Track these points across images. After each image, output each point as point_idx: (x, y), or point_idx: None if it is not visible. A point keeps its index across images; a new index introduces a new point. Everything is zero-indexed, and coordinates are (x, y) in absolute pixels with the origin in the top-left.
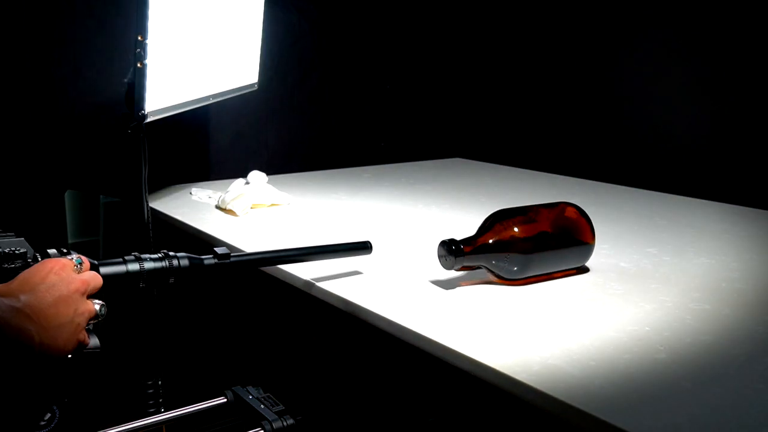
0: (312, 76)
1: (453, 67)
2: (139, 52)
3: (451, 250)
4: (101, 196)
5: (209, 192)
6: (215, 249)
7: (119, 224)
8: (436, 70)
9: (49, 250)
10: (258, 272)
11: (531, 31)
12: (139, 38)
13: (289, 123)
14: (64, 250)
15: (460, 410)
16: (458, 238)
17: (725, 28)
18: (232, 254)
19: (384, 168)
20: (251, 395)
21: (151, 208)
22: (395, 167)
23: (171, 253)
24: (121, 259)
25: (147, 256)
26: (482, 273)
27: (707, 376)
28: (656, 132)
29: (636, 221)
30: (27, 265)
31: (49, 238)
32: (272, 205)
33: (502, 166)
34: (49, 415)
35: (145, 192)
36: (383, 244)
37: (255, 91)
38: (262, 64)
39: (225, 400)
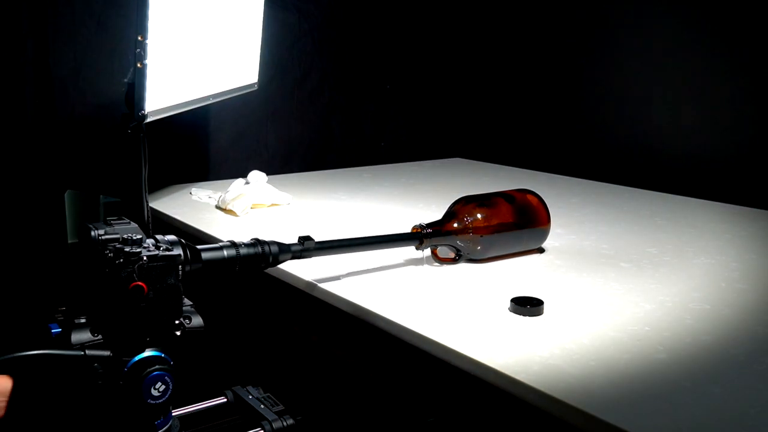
0: (312, 76)
1: (453, 67)
2: (139, 52)
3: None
4: (101, 196)
5: (209, 192)
6: (300, 236)
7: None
8: (436, 70)
9: (157, 237)
10: (257, 273)
11: (531, 32)
12: (139, 38)
13: (289, 123)
14: (174, 237)
15: (460, 410)
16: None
17: (725, 28)
18: (315, 242)
19: (384, 168)
20: (251, 395)
21: (151, 208)
22: (395, 167)
23: (261, 239)
24: (219, 246)
25: (242, 242)
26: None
27: (707, 376)
28: (656, 132)
29: (636, 221)
30: (145, 251)
31: (49, 238)
32: (272, 205)
33: (502, 166)
34: (163, 386)
35: (145, 192)
36: None
37: (255, 91)
38: (262, 64)
39: (225, 400)
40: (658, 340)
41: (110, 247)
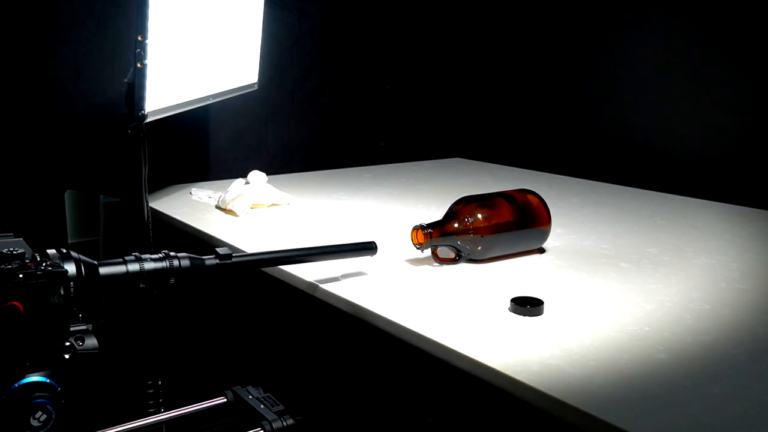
0: (312, 76)
1: (453, 67)
2: (139, 52)
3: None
4: (101, 196)
5: (209, 192)
6: (217, 249)
7: (119, 224)
8: (436, 70)
9: (48, 251)
10: (258, 273)
11: (531, 32)
12: (139, 38)
13: (289, 123)
14: (64, 251)
15: (460, 410)
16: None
17: (725, 28)
18: (233, 255)
19: (384, 168)
20: (251, 395)
21: (151, 208)
22: (395, 167)
23: (172, 254)
24: (121, 260)
25: (147, 256)
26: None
27: (707, 376)
28: (656, 132)
29: (636, 221)
30: (24, 266)
31: (49, 238)
32: (272, 205)
33: (502, 166)
34: (44, 415)
35: (145, 192)
36: (383, 244)
37: (255, 91)
38: (262, 64)
39: (225, 400)
40: (658, 340)
41: None
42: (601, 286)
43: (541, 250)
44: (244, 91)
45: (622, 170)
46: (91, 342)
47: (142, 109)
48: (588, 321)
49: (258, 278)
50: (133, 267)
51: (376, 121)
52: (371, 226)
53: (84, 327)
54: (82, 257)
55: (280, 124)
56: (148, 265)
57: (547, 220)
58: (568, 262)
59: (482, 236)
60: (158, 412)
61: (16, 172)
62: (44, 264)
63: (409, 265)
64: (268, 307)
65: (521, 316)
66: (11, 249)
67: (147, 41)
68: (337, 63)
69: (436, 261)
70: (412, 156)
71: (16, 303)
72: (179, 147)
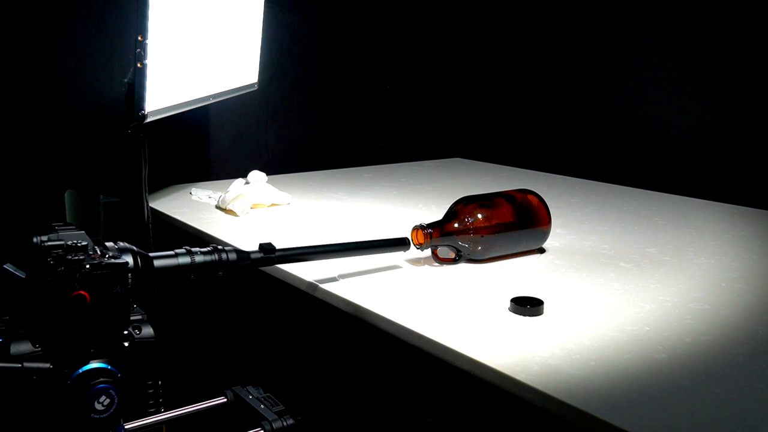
0: (312, 76)
1: (453, 67)
2: (139, 52)
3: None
4: (101, 196)
5: (209, 192)
6: (261, 243)
7: (119, 224)
8: (436, 70)
9: (107, 243)
10: (257, 273)
11: (531, 32)
12: (139, 38)
13: (289, 123)
14: (122, 243)
15: (460, 410)
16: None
17: (725, 28)
18: (277, 249)
19: (384, 168)
20: (251, 395)
21: (151, 208)
22: (395, 167)
23: (220, 247)
24: (173, 253)
25: (198, 249)
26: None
27: (707, 376)
28: (656, 132)
29: (636, 221)
30: (90, 257)
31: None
32: (272, 205)
33: (502, 166)
34: (108, 400)
35: (145, 192)
36: None
37: (255, 91)
38: (262, 64)
39: (225, 400)
40: (658, 340)
41: (53, 254)
42: (601, 286)
43: (541, 250)
44: (244, 91)
45: (621, 170)
46: (148, 331)
47: (142, 109)
48: (588, 321)
49: (258, 278)
50: (184, 260)
51: (376, 121)
52: (371, 226)
53: (140, 317)
54: (139, 250)
55: (280, 124)
56: (199, 258)
57: (547, 220)
58: (568, 262)
59: (482, 236)
60: (158, 411)
61: (16, 172)
62: (107, 256)
63: (409, 265)
64: (269, 307)
65: (521, 316)
66: (75, 241)
67: (147, 41)
68: (337, 63)
69: (436, 261)
70: (412, 156)
71: (83, 292)
72: (179, 147)
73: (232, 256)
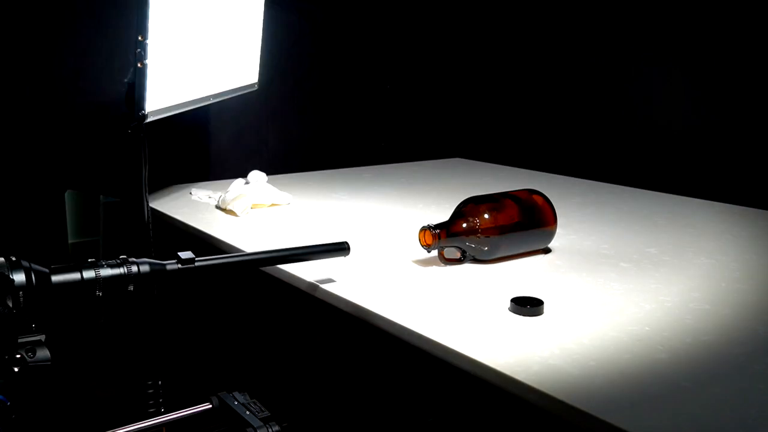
0: (312, 76)
1: (453, 67)
2: (139, 52)
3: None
4: (101, 196)
5: (209, 192)
6: (179, 253)
7: (119, 224)
8: (436, 70)
9: None
10: (255, 273)
11: (531, 32)
12: (139, 38)
13: (289, 123)
14: (13, 258)
15: (460, 410)
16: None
17: (725, 29)
18: (196, 258)
19: (384, 168)
20: (237, 401)
21: (151, 208)
22: (395, 167)
23: (131, 259)
24: (75, 266)
25: (104, 262)
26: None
27: (707, 376)
28: (656, 132)
29: (636, 221)
30: None
31: (49, 238)
32: (272, 205)
33: (502, 166)
34: None
35: (145, 192)
36: (383, 244)
37: (255, 91)
38: (262, 64)
39: (210, 406)
40: (658, 340)
41: None
42: (601, 286)
43: (547, 251)
44: (244, 91)
45: (621, 170)
46: (43, 354)
47: (142, 109)
48: (588, 321)
49: (252, 280)
50: (88, 274)
51: (376, 121)
52: (371, 226)
53: (37, 338)
54: (33, 265)
55: (280, 124)
56: (105, 272)
57: (552, 221)
58: (569, 262)
59: (489, 237)
60: (158, 413)
61: (16, 172)
62: None
63: (409, 265)
64: (256, 312)
65: (521, 316)
66: None
67: (147, 41)
68: (337, 63)
69: (442, 261)
70: (412, 156)
71: None
72: (179, 147)
73: (144, 268)
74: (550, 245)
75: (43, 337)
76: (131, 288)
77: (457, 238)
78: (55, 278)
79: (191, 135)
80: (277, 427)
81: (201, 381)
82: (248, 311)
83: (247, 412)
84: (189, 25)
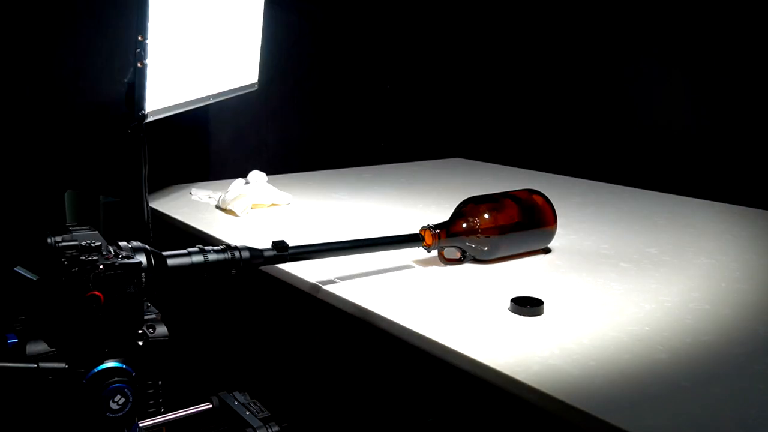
0: (312, 76)
1: (453, 67)
2: (139, 52)
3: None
4: (101, 196)
5: (209, 192)
6: (273, 241)
7: (119, 224)
8: (436, 70)
9: (120, 243)
10: (254, 274)
11: (531, 32)
12: (139, 38)
13: (289, 123)
14: (135, 243)
15: (460, 410)
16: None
17: (725, 28)
18: (290, 246)
19: (384, 168)
20: (237, 401)
21: (151, 208)
22: (395, 167)
23: (233, 245)
24: (186, 252)
25: (210, 248)
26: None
27: (707, 376)
28: (656, 132)
29: (636, 221)
30: (104, 258)
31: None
32: (272, 205)
33: (502, 166)
34: (123, 399)
35: (145, 192)
36: None
37: (255, 91)
38: (262, 64)
39: (210, 406)
40: (658, 340)
41: (67, 255)
42: (601, 286)
43: (547, 251)
44: (244, 91)
45: (621, 170)
46: (162, 330)
47: (142, 109)
48: (588, 321)
49: (251, 279)
50: (198, 258)
51: (376, 121)
52: (371, 226)
53: (153, 315)
54: (153, 249)
55: (280, 124)
56: (212, 257)
57: (553, 221)
58: (569, 262)
59: (489, 237)
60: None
61: (16, 172)
62: (120, 256)
63: (415, 265)
64: (256, 311)
65: (521, 316)
66: (89, 242)
67: (147, 41)
68: (337, 63)
69: (442, 261)
70: (412, 156)
71: (97, 293)
72: (179, 147)
73: (245, 254)
74: (550, 245)
75: (159, 315)
76: (234, 272)
77: (457, 238)
78: (170, 262)
79: (191, 135)
80: (277, 427)
81: (201, 381)
82: (249, 311)
83: (247, 412)
84: (189, 25)
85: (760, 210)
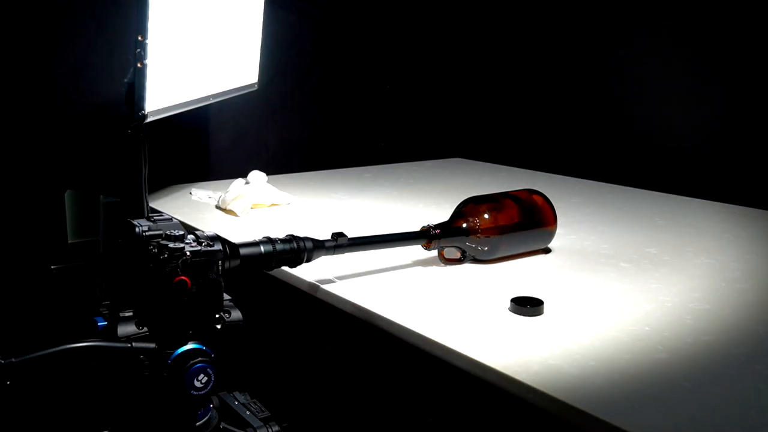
0: (312, 76)
1: (453, 67)
2: (139, 52)
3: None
4: (101, 196)
5: (209, 192)
6: (333, 232)
7: (119, 224)
8: (436, 70)
9: (197, 233)
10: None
11: (531, 32)
12: (139, 38)
13: (289, 123)
14: (212, 233)
15: (460, 410)
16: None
17: (725, 28)
18: (348, 237)
19: (384, 168)
20: (237, 401)
21: (151, 208)
22: (395, 167)
23: (296, 236)
24: (255, 242)
25: (278, 238)
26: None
27: (707, 376)
28: (656, 132)
29: (636, 221)
30: (190, 245)
31: (48, 238)
32: (272, 205)
33: (502, 166)
34: (205, 378)
35: (145, 192)
36: None
37: (255, 91)
38: (262, 64)
39: (210, 405)
40: (658, 340)
41: (154, 243)
42: (601, 286)
43: (547, 251)
44: (244, 91)
45: (621, 170)
46: (237, 314)
47: (142, 109)
48: (588, 321)
49: (253, 280)
50: (267, 248)
51: (376, 121)
52: (371, 226)
53: (229, 301)
54: (226, 239)
55: (280, 124)
56: (279, 247)
57: (552, 221)
58: (568, 262)
59: (489, 237)
60: None
61: (16, 172)
62: (203, 244)
63: (409, 265)
64: (261, 308)
65: (521, 316)
66: (173, 231)
67: (147, 41)
68: (337, 63)
69: (441, 261)
70: (412, 156)
71: (184, 278)
72: (179, 147)
73: (308, 244)
74: (550, 245)
75: (233, 301)
76: (298, 262)
77: (457, 238)
78: (242, 251)
79: (191, 135)
80: (277, 427)
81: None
82: (249, 311)
83: (247, 412)
84: (189, 25)
85: (760, 210)
